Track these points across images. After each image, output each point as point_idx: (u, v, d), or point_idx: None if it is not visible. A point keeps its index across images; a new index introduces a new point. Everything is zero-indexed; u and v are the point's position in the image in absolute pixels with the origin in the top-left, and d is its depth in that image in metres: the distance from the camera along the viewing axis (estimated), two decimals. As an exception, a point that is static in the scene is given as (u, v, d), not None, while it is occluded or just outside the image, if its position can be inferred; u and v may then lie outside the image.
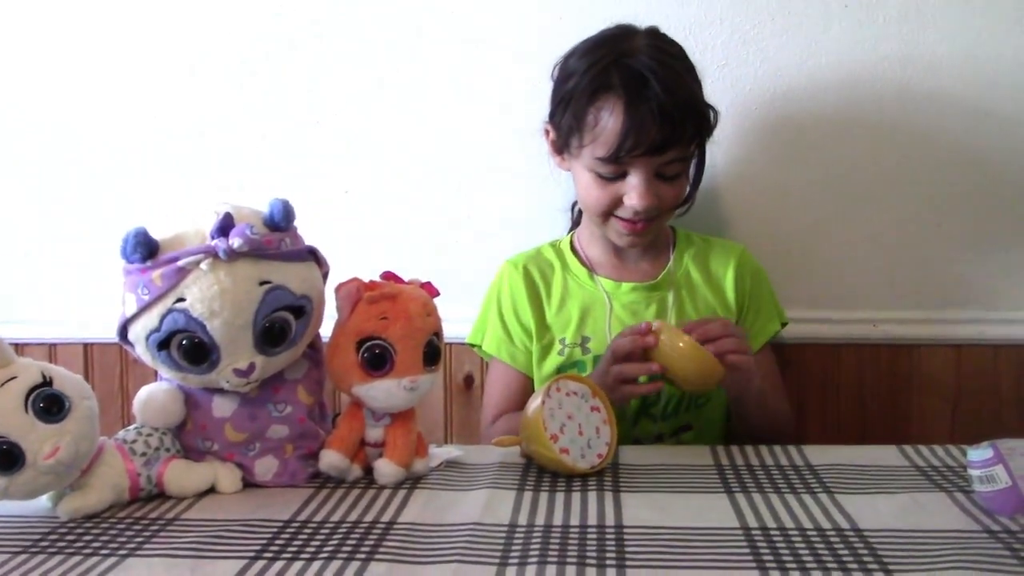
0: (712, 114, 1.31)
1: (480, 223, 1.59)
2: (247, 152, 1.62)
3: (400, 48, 1.57)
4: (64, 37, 1.64)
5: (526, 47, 1.53)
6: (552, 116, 1.34)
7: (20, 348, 1.64)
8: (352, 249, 1.48)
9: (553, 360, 1.39)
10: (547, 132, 1.37)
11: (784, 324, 1.44)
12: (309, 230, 1.02)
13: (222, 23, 1.61)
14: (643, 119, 1.20)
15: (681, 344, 1.10)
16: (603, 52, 1.27)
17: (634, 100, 1.21)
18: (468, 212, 1.59)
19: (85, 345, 1.69)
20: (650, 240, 1.39)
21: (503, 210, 1.59)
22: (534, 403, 1.03)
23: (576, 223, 1.50)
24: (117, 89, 1.64)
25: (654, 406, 1.36)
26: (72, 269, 1.68)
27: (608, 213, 1.31)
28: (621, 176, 1.27)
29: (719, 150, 1.50)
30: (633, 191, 1.26)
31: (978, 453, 0.88)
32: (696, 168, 1.36)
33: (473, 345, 1.48)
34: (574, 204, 1.50)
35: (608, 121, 1.23)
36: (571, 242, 1.47)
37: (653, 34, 1.30)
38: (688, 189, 1.36)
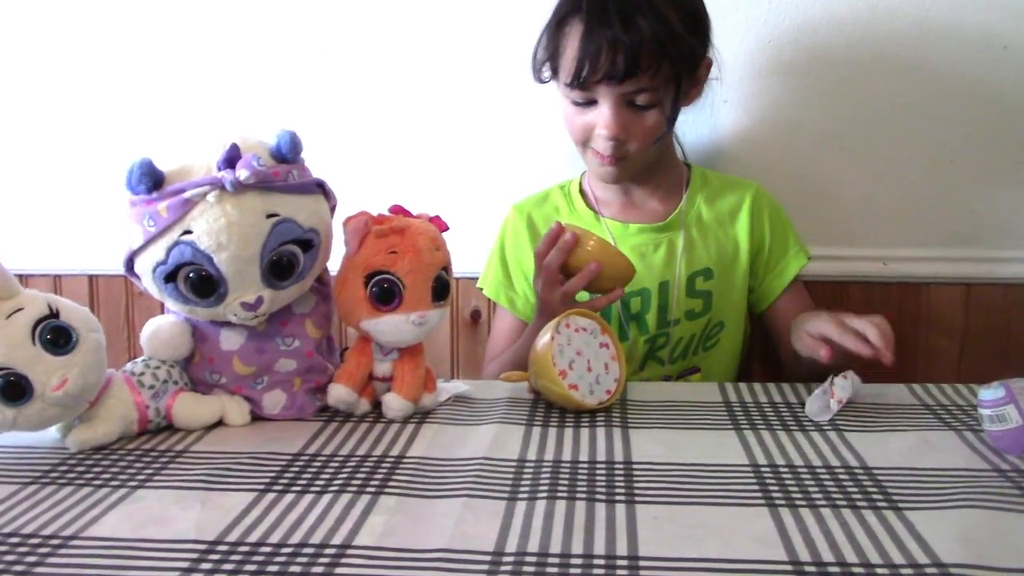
0: (689, 46, 1.23)
1: (492, 156, 1.57)
2: (253, 84, 1.59)
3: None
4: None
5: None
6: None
7: (25, 280, 1.64)
8: (361, 182, 1.46)
9: None
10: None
11: (808, 258, 1.42)
12: (317, 163, 1.01)
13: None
14: (599, 47, 1.19)
15: (591, 244, 1.17)
16: None
17: (591, 26, 1.20)
18: (480, 145, 1.57)
19: (90, 277, 1.69)
20: (631, 175, 1.35)
21: (516, 143, 1.57)
22: (543, 339, 1.02)
23: None
24: (119, 20, 1.60)
25: (662, 349, 1.35)
26: (77, 200, 1.67)
27: (584, 143, 1.30)
28: (593, 103, 1.26)
29: (731, 86, 1.47)
30: (600, 118, 1.25)
31: (990, 392, 0.87)
32: (672, 104, 1.28)
33: (481, 289, 1.49)
34: None
35: (569, 47, 1.23)
36: (580, 183, 1.45)
37: None
38: (665, 125, 1.30)
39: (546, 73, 1.30)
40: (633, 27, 1.18)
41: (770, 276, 1.40)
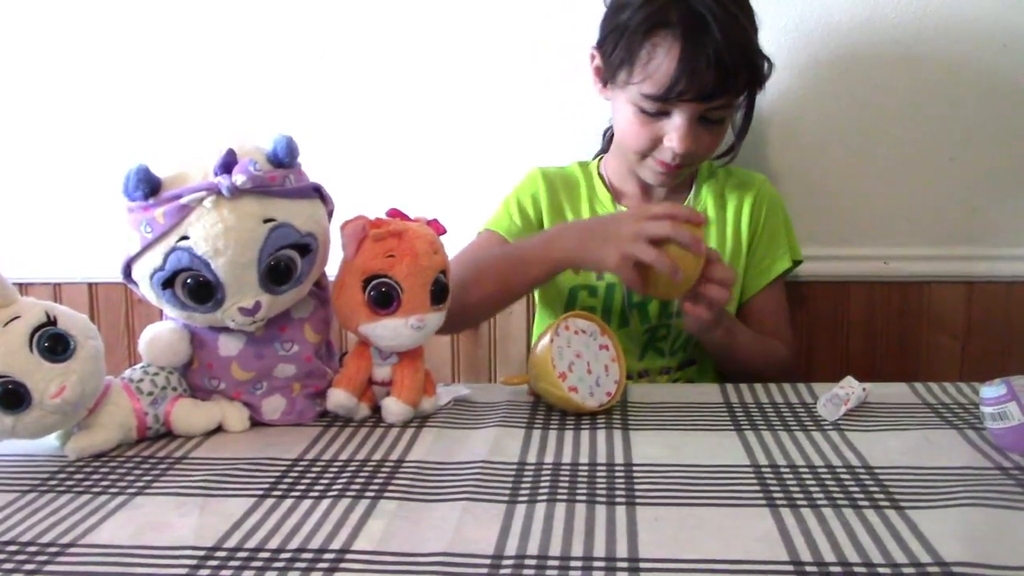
0: (767, 65, 1.27)
1: (490, 160, 1.57)
2: (250, 90, 1.59)
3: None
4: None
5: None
6: (600, 44, 1.29)
7: (24, 288, 1.64)
8: (358, 186, 1.46)
9: (568, 277, 1.36)
10: (592, 58, 1.32)
11: (798, 262, 1.41)
12: (314, 168, 1.01)
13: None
14: (698, 64, 1.16)
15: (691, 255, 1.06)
16: None
17: (691, 43, 1.17)
18: (478, 148, 1.57)
19: (90, 284, 1.69)
20: (680, 180, 1.36)
21: (514, 146, 1.56)
22: (543, 341, 1.02)
23: (604, 149, 1.47)
24: (117, 27, 1.61)
25: (663, 340, 1.35)
26: (76, 208, 1.67)
27: (646, 152, 1.28)
28: (664, 115, 1.23)
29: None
30: (675, 132, 1.22)
31: (991, 390, 0.87)
32: (744, 118, 1.33)
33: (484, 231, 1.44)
34: (606, 130, 1.46)
35: (662, 61, 1.18)
36: (599, 167, 1.45)
37: None
38: (734, 137, 1.35)
39: (621, 79, 1.25)
40: (731, 43, 1.17)
41: (754, 271, 1.39)
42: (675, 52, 1.17)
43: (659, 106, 1.22)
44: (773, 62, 1.28)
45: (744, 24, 1.22)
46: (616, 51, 1.24)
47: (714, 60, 1.16)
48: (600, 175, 1.43)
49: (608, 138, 1.45)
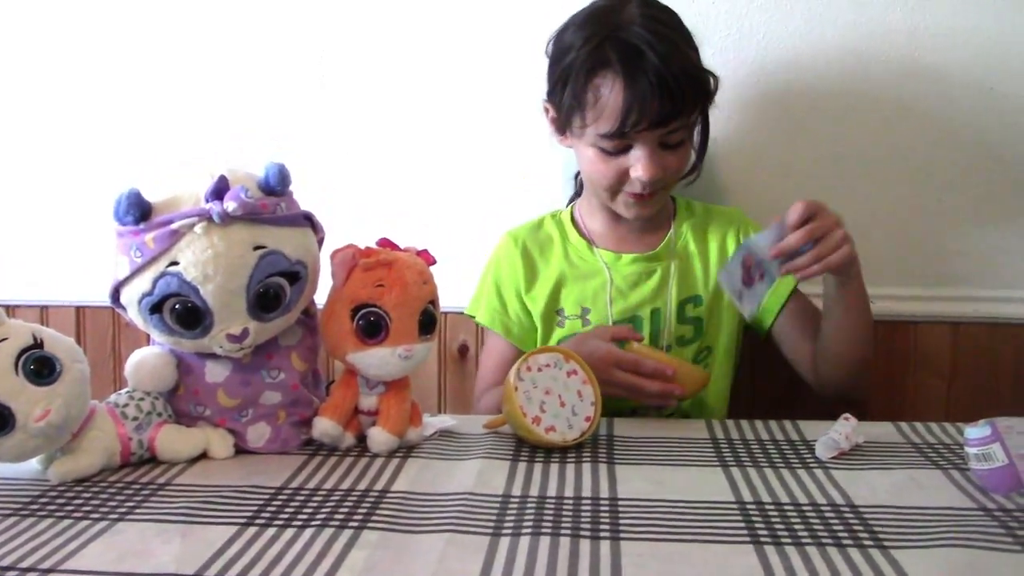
0: (712, 80, 1.29)
1: (479, 191, 1.57)
2: (246, 115, 1.60)
3: (404, 14, 1.55)
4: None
5: (527, 13, 1.51)
6: (551, 94, 1.32)
7: (11, 310, 1.62)
8: (349, 215, 1.46)
9: (556, 333, 1.38)
10: (547, 110, 1.34)
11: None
12: (306, 195, 1.01)
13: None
14: (643, 93, 1.18)
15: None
16: (596, 26, 1.24)
17: (632, 75, 1.19)
18: (467, 180, 1.57)
19: (77, 308, 1.68)
20: (657, 210, 1.37)
21: (503, 178, 1.57)
22: (507, 390, 1.02)
23: (578, 193, 1.48)
24: (105, 49, 1.61)
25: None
26: (65, 230, 1.66)
27: (616, 188, 1.29)
28: (625, 150, 1.25)
29: (720, 121, 1.47)
30: (639, 163, 1.24)
31: (976, 431, 0.87)
32: (701, 136, 1.35)
33: (471, 316, 1.47)
34: (577, 174, 1.48)
35: (609, 98, 1.21)
36: (572, 213, 1.46)
37: (644, 3, 1.26)
38: (693, 157, 1.35)
39: (576, 125, 1.26)
40: (671, 68, 1.18)
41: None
42: (619, 87, 1.20)
43: (618, 143, 1.24)
44: (718, 76, 1.30)
45: (680, 45, 1.23)
46: (565, 98, 1.26)
47: (657, 86, 1.18)
48: (574, 220, 1.44)
49: (579, 183, 1.47)
